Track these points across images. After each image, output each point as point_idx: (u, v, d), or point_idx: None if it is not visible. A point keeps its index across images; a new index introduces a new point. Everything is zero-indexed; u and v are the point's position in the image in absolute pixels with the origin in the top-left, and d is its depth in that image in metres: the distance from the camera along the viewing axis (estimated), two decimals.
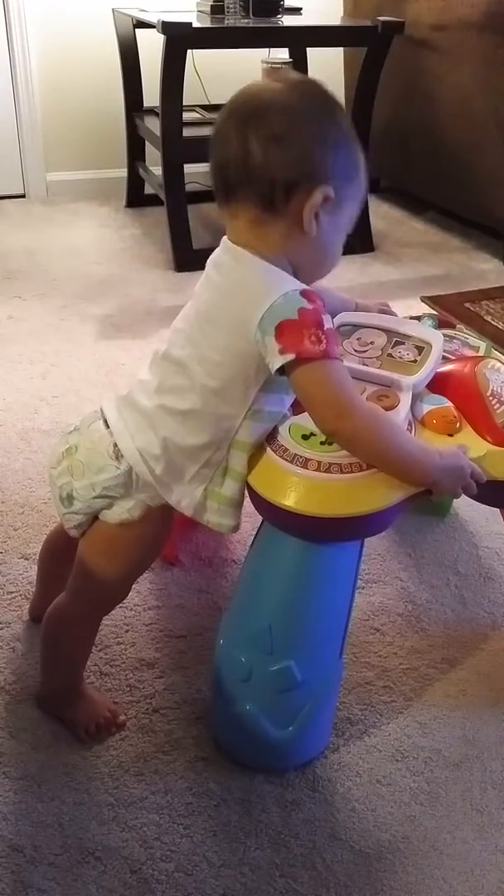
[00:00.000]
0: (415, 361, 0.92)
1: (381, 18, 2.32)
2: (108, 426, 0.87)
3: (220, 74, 2.90)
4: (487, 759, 0.97)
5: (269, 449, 0.83)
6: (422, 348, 0.94)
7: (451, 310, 2.15)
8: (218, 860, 0.85)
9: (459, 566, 1.27)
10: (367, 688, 1.06)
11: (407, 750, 0.98)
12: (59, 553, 1.03)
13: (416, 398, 0.89)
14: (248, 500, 0.86)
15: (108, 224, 2.80)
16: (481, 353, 1.05)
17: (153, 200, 2.76)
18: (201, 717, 1.00)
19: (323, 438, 0.82)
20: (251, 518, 0.89)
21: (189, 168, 2.34)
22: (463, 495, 0.85)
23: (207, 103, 2.82)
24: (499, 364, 0.97)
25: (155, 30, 2.13)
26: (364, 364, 0.92)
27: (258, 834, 0.88)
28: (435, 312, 1.85)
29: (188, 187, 2.37)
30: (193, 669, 1.07)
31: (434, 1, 2.44)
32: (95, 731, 0.97)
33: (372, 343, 0.95)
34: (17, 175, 3.03)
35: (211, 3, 2.44)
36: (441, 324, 1.11)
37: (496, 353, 1.06)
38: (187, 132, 2.29)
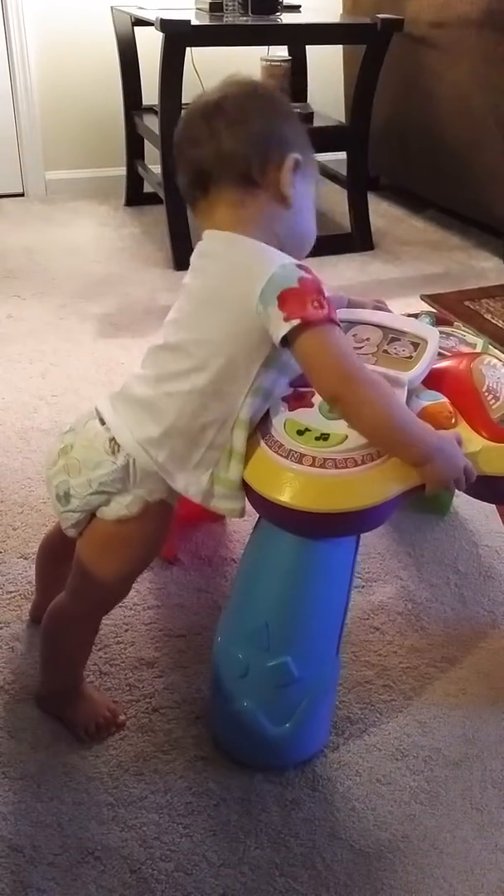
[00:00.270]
0: (410, 357, 0.92)
1: (381, 16, 2.32)
2: (103, 423, 0.87)
3: (219, 72, 2.86)
4: (487, 758, 0.97)
5: (264, 444, 0.83)
6: (417, 344, 0.94)
7: (451, 308, 2.15)
8: (217, 859, 0.85)
9: (459, 565, 1.27)
10: (367, 686, 1.06)
11: (407, 749, 0.98)
12: (57, 554, 1.02)
13: (412, 394, 0.89)
14: (247, 501, 0.86)
15: (108, 223, 2.80)
16: (478, 350, 1.05)
17: (152, 199, 2.76)
18: (201, 716, 1.00)
19: (318, 434, 0.82)
20: (250, 516, 0.89)
21: None
22: (458, 493, 0.85)
23: None
24: (495, 360, 0.97)
25: (154, 27, 2.13)
26: None
27: (258, 833, 0.88)
28: (433, 310, 1.85)
29: None
30: (193, 669, 1.07)
31: None
32: (95, 730, 0.97)
33: (367, 339, 0.95)
34: (16, 174, 3.03)
35: (210, 1, 2.43)
36: (439, 321, 1.11)
37: (493, 349, 1.06)
38: None
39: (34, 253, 2.51)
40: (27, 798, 0.91)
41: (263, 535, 0.88)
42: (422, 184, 2.86)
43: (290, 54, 2.75)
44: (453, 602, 1.20)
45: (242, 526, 1.26)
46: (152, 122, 2.48)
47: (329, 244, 2.50)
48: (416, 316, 1.09)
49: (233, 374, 0.82)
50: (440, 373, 0.93)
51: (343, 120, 2.74)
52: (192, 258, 0.88)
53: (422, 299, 2.20)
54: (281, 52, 2.76)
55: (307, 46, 2.83)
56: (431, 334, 0.94)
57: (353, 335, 0.96)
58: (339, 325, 0.80)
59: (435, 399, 0.89)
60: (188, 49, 2.23)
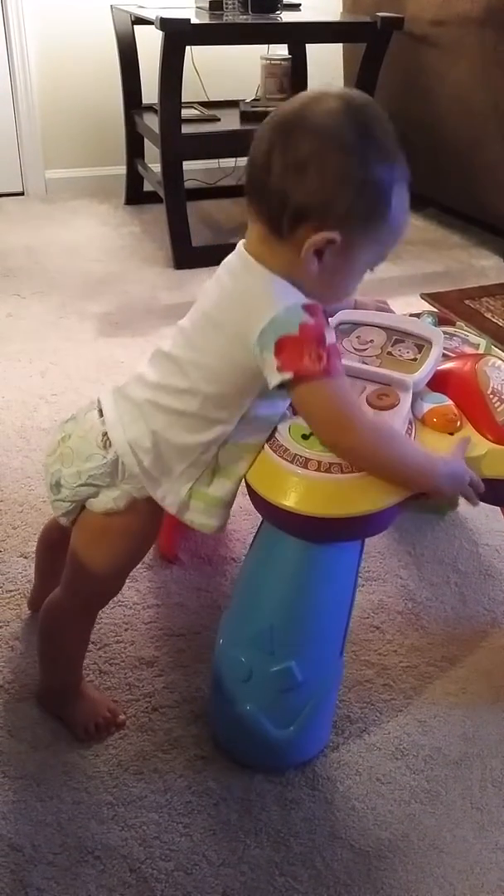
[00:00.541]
0: (415, 360, 0.91)
1: (381, 14, 2.31)
2: (102, 416, 0.87)
3: (219, 71, 2.90)
4: (487, 757, 0.97)
5: (268, 449, 0.83)
6: (422, 346, 0.93)
7: (452, 307, 2.15)
8: (217, 859, 0.85)
9: (459, 564, 1.27)
10: (367, 686, 1.06)
11: (407, 748, 0.98)
12: (55, 545, 1.03)
13: (417, 396, 0.89)
14: (248, 500, 0.86)
15: (108, 222, 2.80)
16: (481, 351, 1.05)
17: (152, 198, 2.75)
18: (201, 715, 1.00)
19: None
20: (250, 516, 0.89)
21: (188, 165, 2.33)
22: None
23: (206, 100, 2.82)
24: (499, 361, 0.97)
25: (153, 26, 2.13)
26: (364, 362, 0.91)
27: (258, 833, 0.88)
28: (435, 310, 1.85)
29: (187, 184, 2.36)
30: (193, 668, 1.07)
31: None
32: (95, 731, 0.97)
33: (371, 341, 0.95)
34: (16, 173, 3.03)
35: (209, 0, 2.43)
36: (441, 321, 1.11)
37: (496, 350, 1.06)
38: (186, 129, 2.29)
39: (34, 252, 2.51)
40: (27, 797, 0.90)
41: (267, 538, 0.87)
42: (422, 182, 2.82)
43: (290, 53, 2.75)
44: (453, 601, 1.20)
45: (242, 525, 1.26)
46: (152, 121, 2.47)
47: None
48: (418, 316, 1.09)
49: (225, 403, 0.82)
50: (445, 375, 0.93)
51: None
52: (221, 264, 0.85)
53: (422, 298, 2.20)
54: (281, 50, 2.76)
55: (307, 45, 2.83)
56: (436, 336, 0.94)
57: (357, 337, 0.96)
58: (338, 376, 0.77)
59: (440, 401, 0.89)
60: (188, 48, 2.22)
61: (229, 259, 0.85)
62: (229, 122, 2.53)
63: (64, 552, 0.94)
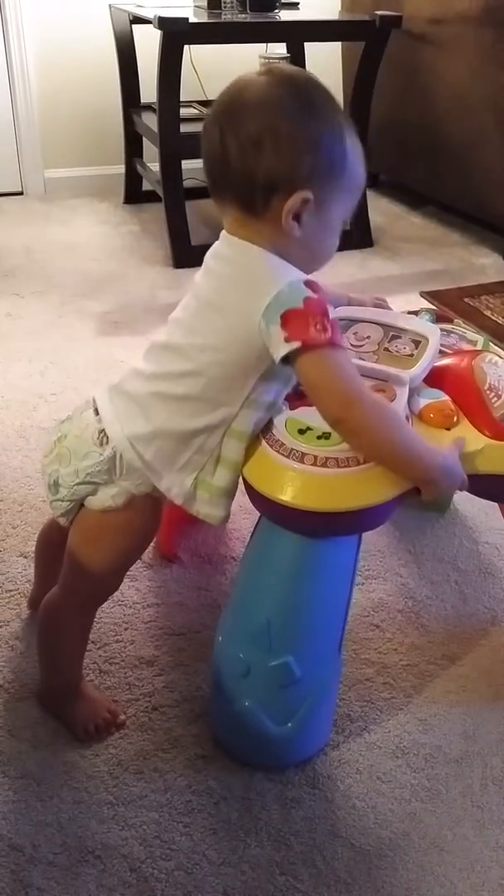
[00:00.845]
0: (411, 355, 0.92)
1: (379, 13, 2.31)
2: (97, 414, 0.87)
3: (218, 70, 2.88)
4: (488, 756, 0.97)
5: (265, 443, 0.83)
6: (418, 342, 0.93)
7: (451, 305, 2.14)
8: (218, 858, 0.85)
9: (459, 562, 1.27)
10: (367, 684, 1.06)
11: (407, 746, 0.98)
12: (54, 544, 1.03)
13: (414, 392, 0.89)
14: (245, 497, 0.86)
15: (107, 221, 2.80)
16: (479, 347, 1.05)
17: (151, 197, 2.75)
18: (201, 714, 1.00)
19: (320, 433, 0.82)
20: (250, 514, 0.89)
21: (187, 164, 2.33)
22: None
23: (205, 99, 2.82)
24: (496, 358, 0.97)
25: (152, 25, 2.13)
26: (360, 358, 0.91)
27: (258, 832, 0.88)
28: (433, 307, 1.85)
29: (186, 183, 2.36)
30: (193, 667, 1.06)
31: None
32: (95, 731, 0.97)
33: (368, 337, 0.95)
34: (15, 172, 3.03)
35: None
36: (439, 318, 1.11)
37: (494, 346, 1.06)
38: (184, 128, 2.29)
39: (33, 251, 2.51)
40: (27, 797, 0.90)
41: (265, 534, 0.88)
42: (421, 180, 2.86)
43: (288, 51, 2.74)
44: (453, 599, 1.20)
45: (242, 524, 1.26)
46: (151, 120, 2.47)
47: None
48: (416, 313, 1.09)
49: (228, 385, 0.82)
50: (442, 371, 0.93)
51: None
52: (206, 257, 0.87)
53: (421, 296, 2.20)
54: (279, 49, 2.75)
55: (306, 43, 2.83)
56: (432, 332, 0.94)
57: (354, 333, 0.96)
58: (342, 349, 0.78)
59: (436, 397, 0.89)
60: (186, 47, 2.22)
61: (216, 249, 0.86)
62: None
63: (63, 551, 0.93)
